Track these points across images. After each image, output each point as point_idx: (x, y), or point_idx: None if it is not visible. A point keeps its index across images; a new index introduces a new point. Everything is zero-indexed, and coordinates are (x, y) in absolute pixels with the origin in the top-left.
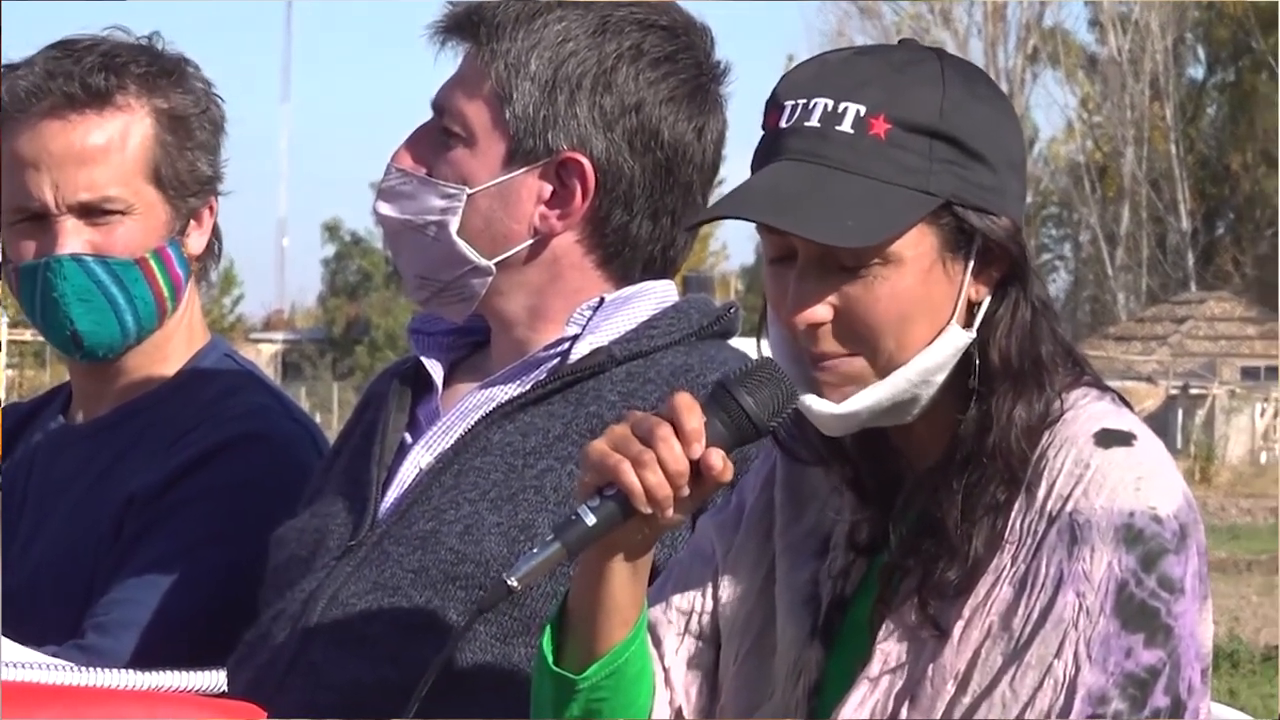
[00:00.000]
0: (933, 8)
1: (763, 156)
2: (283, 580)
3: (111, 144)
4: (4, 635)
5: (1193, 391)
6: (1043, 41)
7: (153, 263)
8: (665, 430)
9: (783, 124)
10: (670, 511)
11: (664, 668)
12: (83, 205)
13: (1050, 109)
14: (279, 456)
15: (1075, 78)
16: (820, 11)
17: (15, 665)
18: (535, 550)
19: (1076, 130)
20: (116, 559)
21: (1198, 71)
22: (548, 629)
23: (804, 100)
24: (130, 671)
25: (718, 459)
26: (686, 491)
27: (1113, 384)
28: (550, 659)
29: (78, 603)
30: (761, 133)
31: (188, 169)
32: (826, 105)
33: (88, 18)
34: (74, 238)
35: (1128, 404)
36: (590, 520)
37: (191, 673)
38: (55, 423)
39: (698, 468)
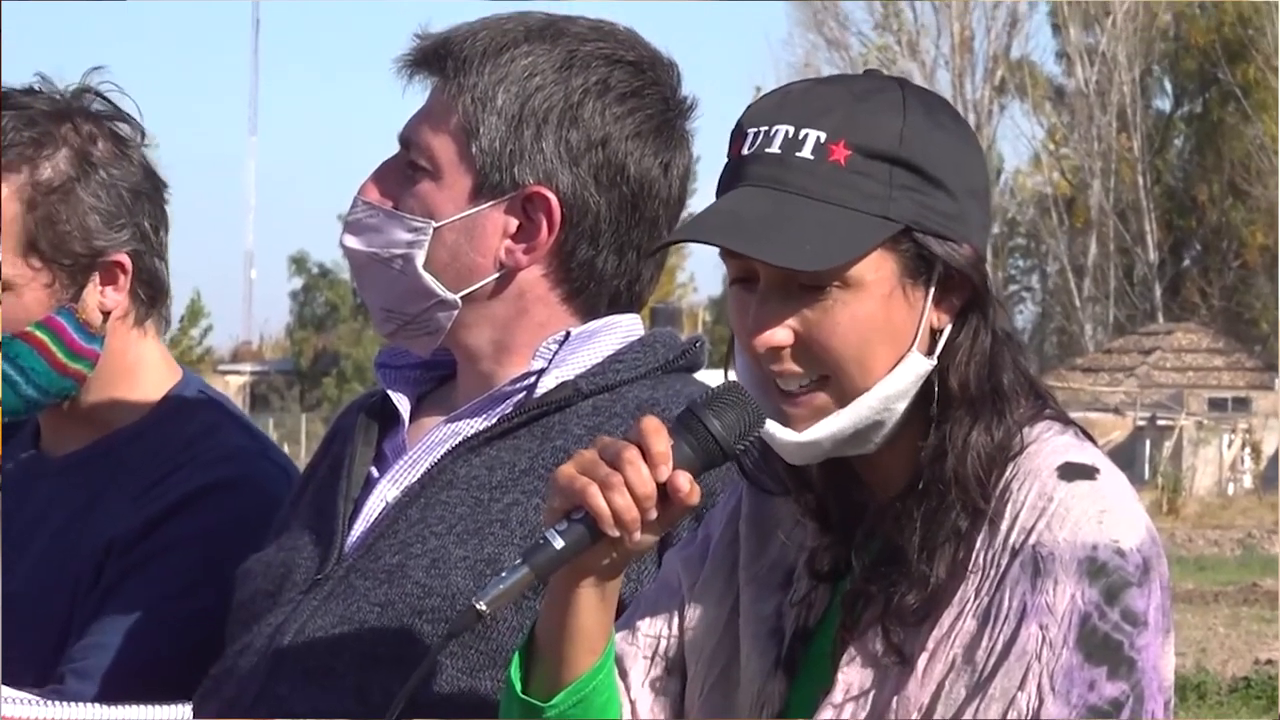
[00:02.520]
0: (900, 39)
1: (725, 184)
2: (249, 614)
3: None
4: None
5: (1160, 423)
6: (1010, 73)
7: (40, 334)
8: (632, 453)
9: (745, 151)
10: (638, 534)
11: (630, 699)
12: None
13: (1018, 140)
14: (257, 499)
15: (1043, 109)
16: (787, 43)
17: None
18: (504, 574)
19: (1044, 162)
20: (95, 604)
21: (1165, 103)
22: (516, 656)
23: (765, 127)
24: (95, 706)
25: (684, 481)
26: (654, 514)
27: (1080, 415)
28: (518, 687)
29: (53, 646)
30: (725, 161)
31: (72, 235)
32: (787, 132)
33: (85, 18)
34: None
35: (1090, 437)
36: (558, 544)
37: (157, 707)
38: (26, 453)
39: (665, 491)
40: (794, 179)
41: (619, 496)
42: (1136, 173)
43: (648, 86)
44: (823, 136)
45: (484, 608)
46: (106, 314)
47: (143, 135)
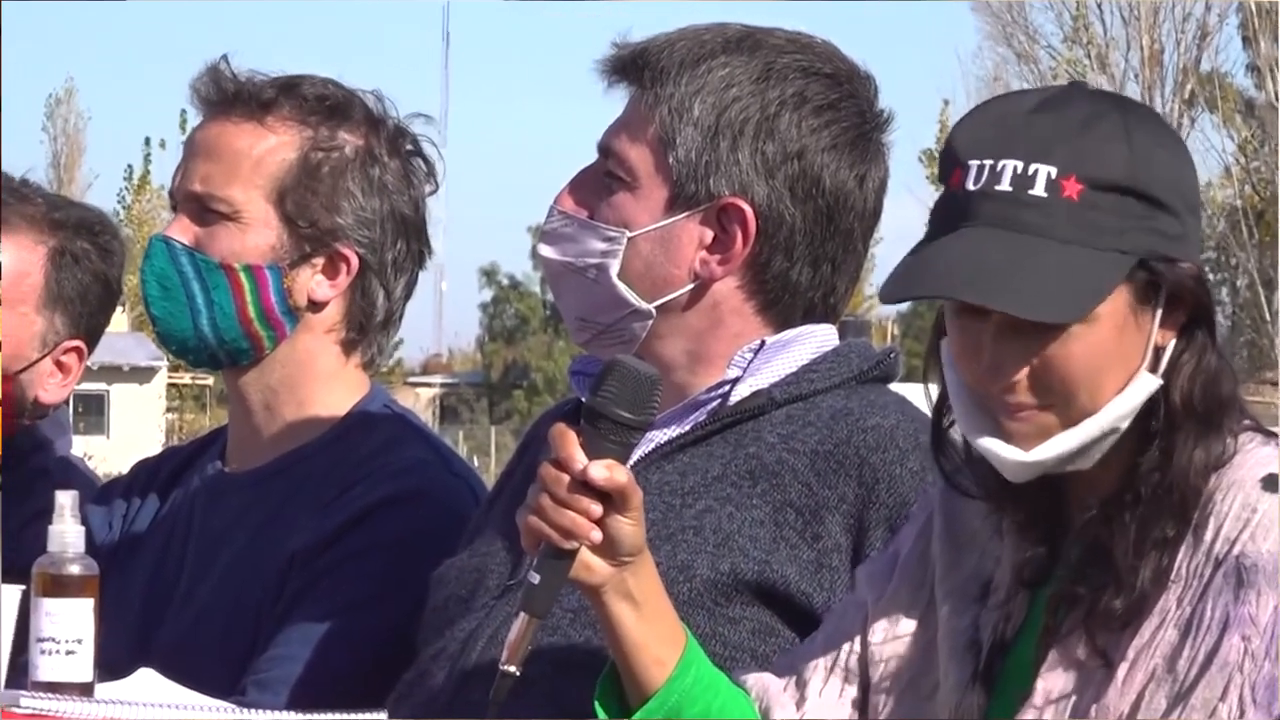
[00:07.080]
0: (1089, 53)
1: (950, 219)
2: (442, 619)
3: (248, 151)
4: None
5: None
6: (1200, 86)
7: (242, 275)
8: (548, 470)
9: (970, 185)
10: (596, 535)
11: (805, 710)
12: (193, 196)
13: (1208, 154)
14: (439, 512)
15: (1233, 122)
16: (977, 57)
17: (174, 706)
18: (511, 630)
19: (1234, 175)
20: (279, 617)
21: None
22: (599, 685)
23: (990, 161)
24: (290, 713)
25: (599, 470)
26: (598, 511)
27: (1271, 429)
28: (601, 715)
29: (240, 660)
30: (942, 189)
31: (319, 207)
32: (1016, 168)
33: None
34: (179, 225)
35: None
36: (535, 579)
37: (352, 714)
38: (213, 468)
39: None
40: (1030, 219)
41: (553, 513)
42: None
43: (844, 99)
44: (1053, 172)
45: (511, 669)
46: (314, 304)
47: (434, 188)
